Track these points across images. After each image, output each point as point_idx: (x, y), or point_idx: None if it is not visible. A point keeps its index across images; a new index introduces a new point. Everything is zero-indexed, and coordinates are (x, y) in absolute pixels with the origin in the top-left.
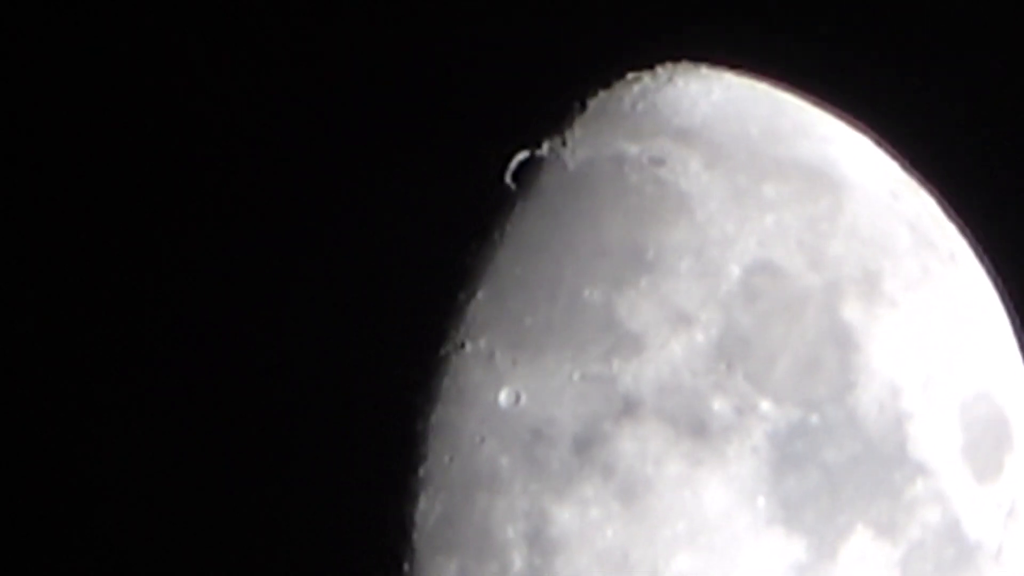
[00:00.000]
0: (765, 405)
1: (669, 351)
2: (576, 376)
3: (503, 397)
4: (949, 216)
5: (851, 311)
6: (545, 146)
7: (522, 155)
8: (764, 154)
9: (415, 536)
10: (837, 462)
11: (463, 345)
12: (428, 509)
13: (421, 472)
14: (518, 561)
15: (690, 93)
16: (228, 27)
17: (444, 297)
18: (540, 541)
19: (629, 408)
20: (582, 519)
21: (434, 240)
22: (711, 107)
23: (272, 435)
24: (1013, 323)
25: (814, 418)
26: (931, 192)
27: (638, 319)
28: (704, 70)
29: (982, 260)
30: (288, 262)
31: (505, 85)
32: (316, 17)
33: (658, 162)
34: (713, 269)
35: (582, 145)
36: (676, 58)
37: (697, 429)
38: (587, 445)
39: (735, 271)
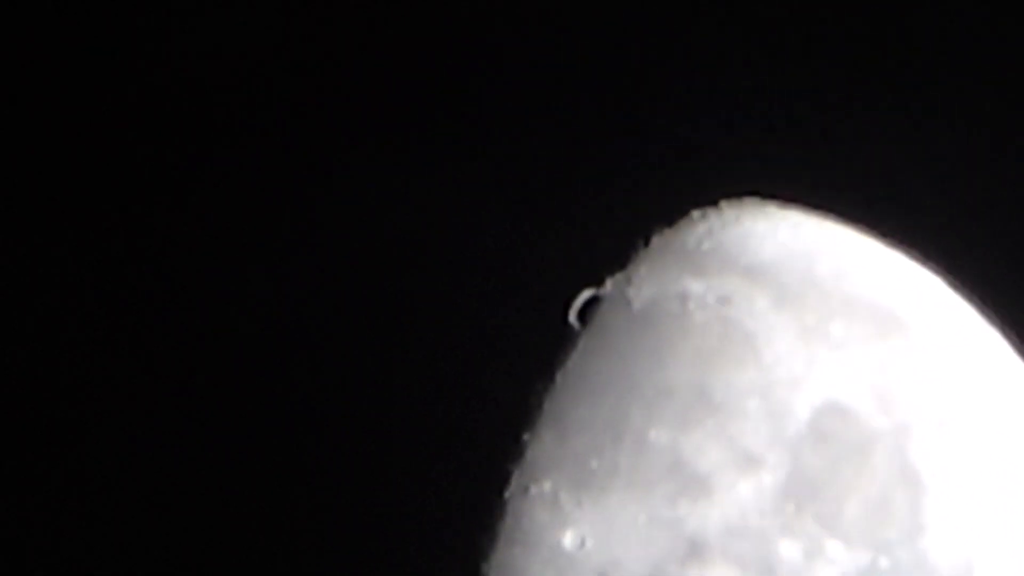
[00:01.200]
0: (834, 548)
1: (736, 493)
2: (642, 518)
3: (568, 539)
4: (1022, 357)
5: (921, 453)
6: (609, 284)
7: (586, 294)
8: (833, 293)
9: None
10: None
11: (527, 487)
12: None
13: None
14: None
15: (757, 231)
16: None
17: (508, 439)
18: None
19: (696, 550)
20: None
21: (499, 381)
22: (778, 245)
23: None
24: None
25: (884, 561)
26: (1004, 333)
27: (705, 460)
28: (771, 207)
29: None
30: (350, 393)
31: (569, 223)
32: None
33: (724, 301)
34: (781, 410)
35: (646, 283)
36: (742, 194)
37: (765, 572)
38: None
39: (803, 412)
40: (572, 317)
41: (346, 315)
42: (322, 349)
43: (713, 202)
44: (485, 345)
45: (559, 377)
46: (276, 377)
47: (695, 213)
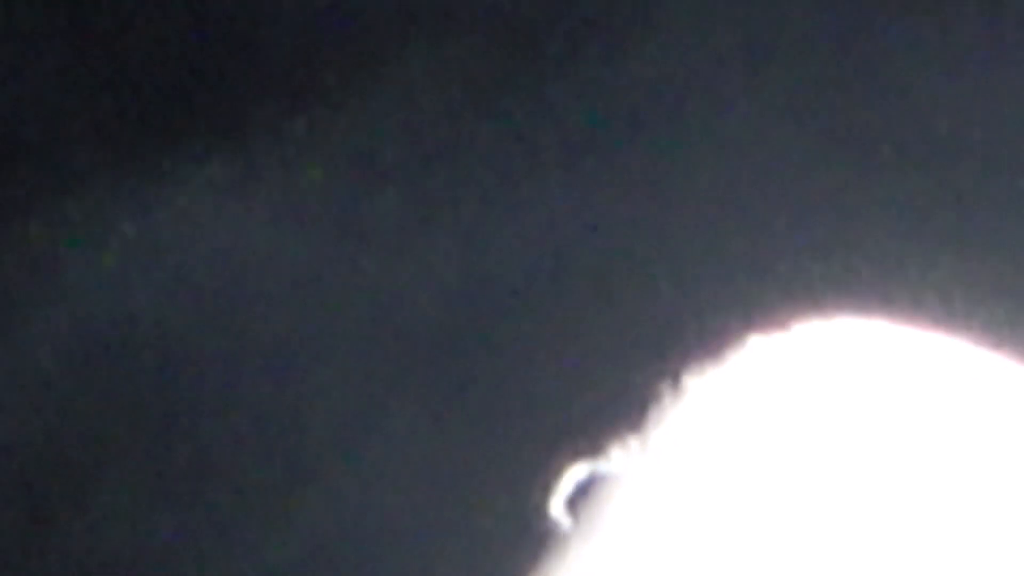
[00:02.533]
0: None
1: None
2: None
3: None
4: None
5: None
6: (614, 456)
7: (578, 472)
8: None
9: None
10: None
11: None
12: None
13: None
14: None
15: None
16: None
17: None
18: None
19: None
20: None
21: None
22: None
23: None
24: None
25: None
26: None
27: None
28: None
29: None
30: None
31: (553, 354)
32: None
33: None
34: None
35: (674, 453)
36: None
37: None
38: None
39: None
40: (555, 510)
41: None
42: None
43: (775, 322)
44: (423, 551)
45: None
46: None
47: (752, 338)
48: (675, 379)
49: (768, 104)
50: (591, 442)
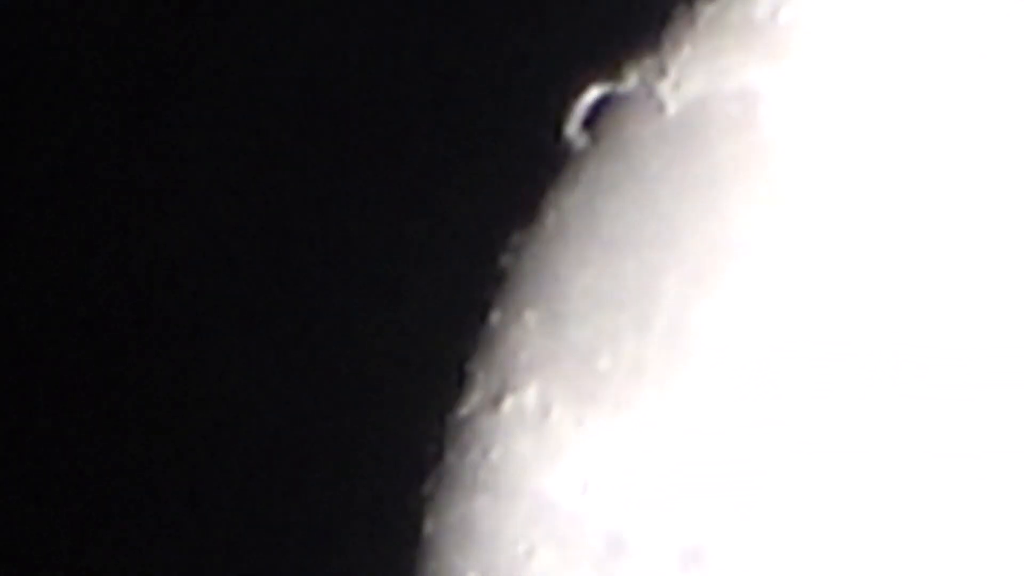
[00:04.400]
0: None
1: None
2: (679, 446)
3: (563, 482)
4: None
5: None
6: (631, 78)
7: (595, 92)
8: None
9: None
10: None
11: (500, 398)
12: None
13: None
14: None
15: None
16: None
17: (468, 320)
18: None
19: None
20: None
21: (458, 230)
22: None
23: None
24: None
25: None
26: None
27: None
28: None
29: None
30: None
31: None
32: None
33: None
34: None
35: (691, 75)
36: None
37: None
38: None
39: None
40: (571, 129)
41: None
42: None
43: None
44: (439, 179)
45: (550, 224)
46: None
47: None
48: (689, 2)
49: None
50: (606, 63)
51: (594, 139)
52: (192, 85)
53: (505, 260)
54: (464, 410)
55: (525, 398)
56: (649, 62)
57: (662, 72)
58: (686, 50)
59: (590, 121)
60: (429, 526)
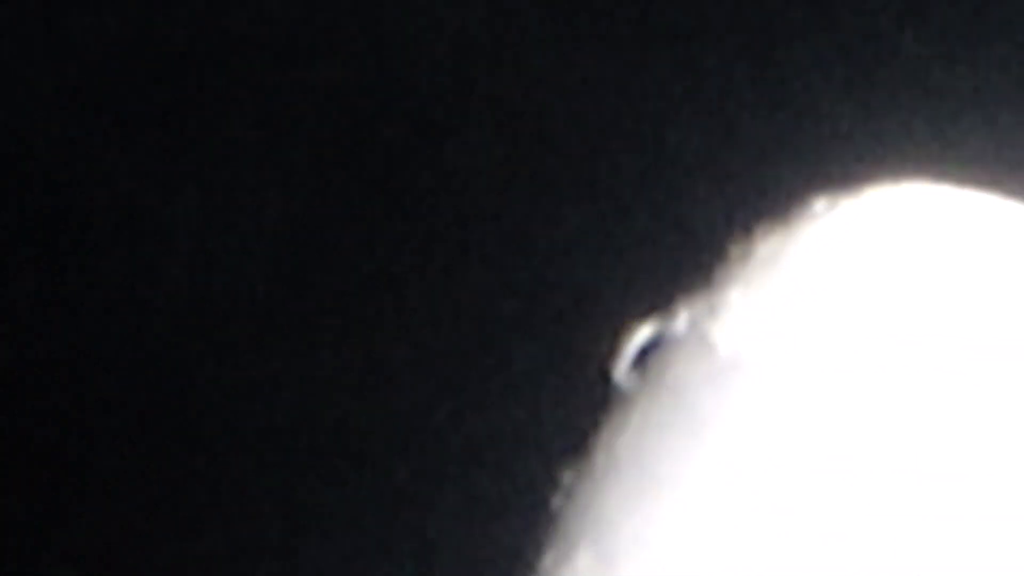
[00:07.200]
0: None
1: None
2: None
3: None
4: None
5: None
6: (682, 318)
7: (645, 332)
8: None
9: None
10: None
11: None
12: None
13: None
14: None
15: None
16: None
17: (519, 561)
18: None
19: None
20: None
21: (505, 472)
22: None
23: None
24: None
25: None
26: None
27: None
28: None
29: None
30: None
31: (616, 220)
32: None
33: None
34: None
35: (742, 315)
36: (880, 171)
37: None
38: None
39: None
40: (621, 367)
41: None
42: None
43: (841, 183)
44: (490, 412)
45: (600, 464)
46: None
47: (819, 200)
48: (743, 238)
49: None
50: (657, 301)
51: (644, 379)
52: None
53: (558, 500)
54: None
55: None
56: (701, 302)
57: (712, 312)
58: (738, 289)
59: (640, 362)
60: None
